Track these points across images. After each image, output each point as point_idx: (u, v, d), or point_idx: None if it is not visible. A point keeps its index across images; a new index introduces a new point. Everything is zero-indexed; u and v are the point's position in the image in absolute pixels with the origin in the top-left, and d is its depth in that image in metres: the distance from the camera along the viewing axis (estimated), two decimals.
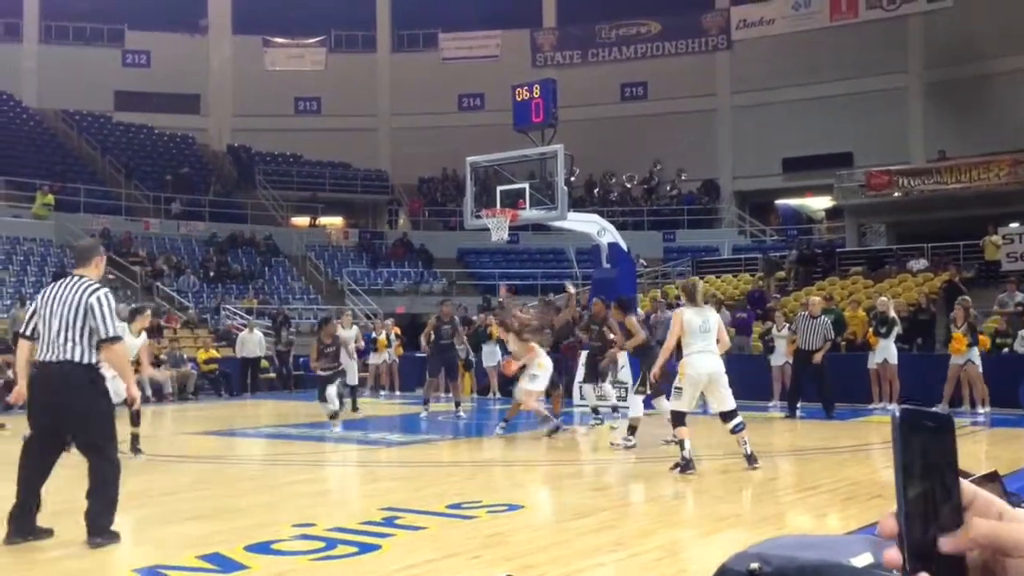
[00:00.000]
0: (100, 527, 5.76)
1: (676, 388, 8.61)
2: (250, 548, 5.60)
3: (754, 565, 1.55)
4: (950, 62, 30.04)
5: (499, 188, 15.93)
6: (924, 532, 0.85)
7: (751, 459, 8.44)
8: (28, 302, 19.64)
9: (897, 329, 14.88)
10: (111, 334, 5.78)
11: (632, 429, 10.32)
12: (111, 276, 25.26)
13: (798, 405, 14.04)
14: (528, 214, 15.85)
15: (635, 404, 10.52)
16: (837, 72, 31.74)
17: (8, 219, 26.67)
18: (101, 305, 5.78)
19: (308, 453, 10.64)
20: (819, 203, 33.55)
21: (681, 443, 8.31)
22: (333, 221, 35.23)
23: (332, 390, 12.19)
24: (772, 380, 15.80)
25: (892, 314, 14.95)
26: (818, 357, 13.69)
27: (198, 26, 37.59)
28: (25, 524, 5.83)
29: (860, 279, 21.46)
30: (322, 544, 5.69)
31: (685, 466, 8.21)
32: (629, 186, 34.79)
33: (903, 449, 0.86)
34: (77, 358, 5.77)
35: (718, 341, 8.62)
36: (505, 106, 19.19)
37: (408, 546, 5.67)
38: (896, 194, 25.34)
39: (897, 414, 0.87)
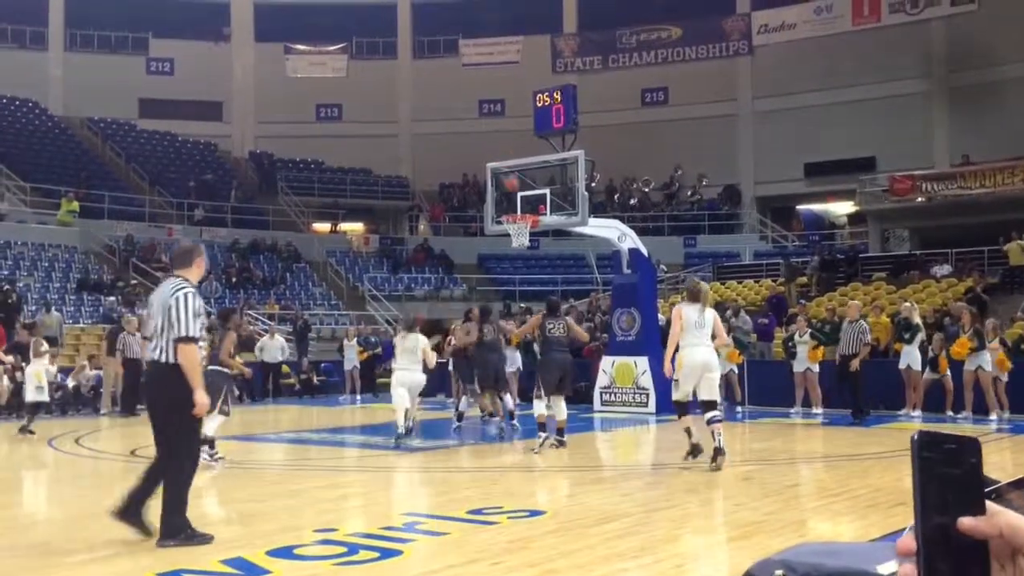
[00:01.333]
0: (169, 527, 5.79)
1: (675, 380, 9.21)
2: (272, 553, 5.62)
3: (779, 572, 1.55)
4: (974, 66, 29.82)
5: (520, 194, 15.93)
6: (945, 557, 0.84)
7: (718, 451, 8.88)
8: (53, 308, 19.84)
9: (921, 335, 14.74)
10: (182, 333, 5.82)
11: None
12: (134, 281, 25.49)
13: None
14: (549, 220, 15.85)
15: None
16: (860, 76, 31.55)
17: (34, 225, 26.95)
18: (178, 303, 5.87)
19: (329, 458, 10.67)
20: (842, 208, 33.36)
21: (688, 431, 9.15)
22: (354, 227, 35.37)
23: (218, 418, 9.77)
24: (795, 386, 15.69)
25: (916, 320, 14.82)
26: (855, 363, 13.53)
27: (221, 34, 37.89)
28: (130, 511, 5.88)
29: (883, 285, 21.30)
30: (344, 549, 5.71)
31: (694, 451, 9.06)
32: (647, 190, 34.68)
33: (921, 473, 0.85)
34: (166, 359, 5.86)
35: (714, 337, 9.24)
36: (526, 112, 19.20)
37: (430, 552, 5.68)
38: (920, 199, 25.16)
39: (915, 437, 0.86)
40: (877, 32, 32.25)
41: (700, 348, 9.08)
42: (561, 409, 11.00)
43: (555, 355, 11.04)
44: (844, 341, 13.95)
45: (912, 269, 22.34)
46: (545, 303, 12.07)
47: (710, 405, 9.11)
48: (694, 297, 9.34)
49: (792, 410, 15.43)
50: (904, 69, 31.26)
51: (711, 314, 9.34)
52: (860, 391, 13.79)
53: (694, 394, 9.21)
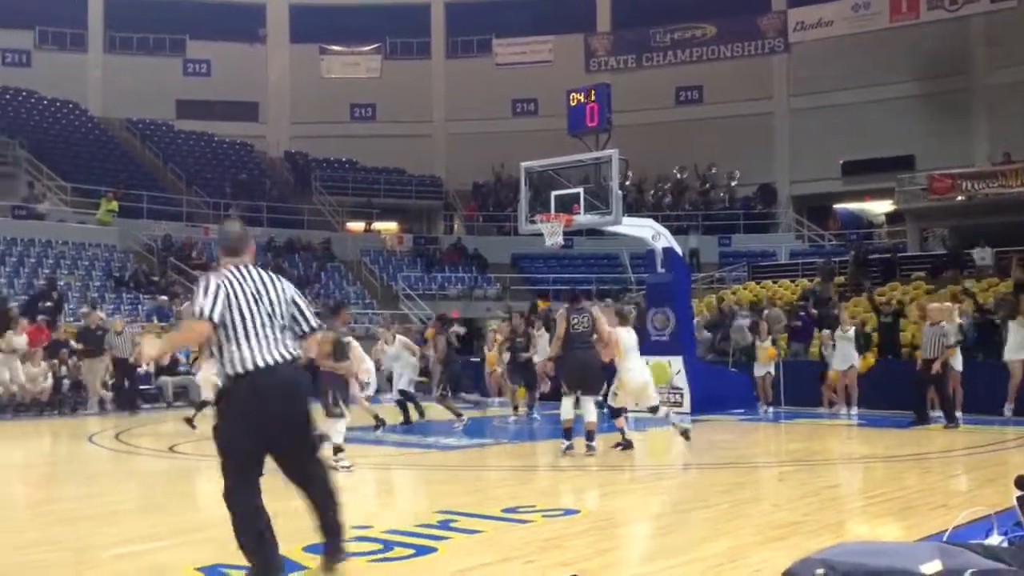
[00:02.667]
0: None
1: (614, 393, 10.61)
2: (308, 549, 5.65)
3: (820, 571, 1.53)
4: (1014, 62, 29.34)
5: (553, 193, 15.90)
6: None
7: (685, 431, 10.74)
8: (98, 308, 20.03)
9: (960, 336, 14.48)
10: (315, 325, 4.94)
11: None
12: (173, 279, 25.78)
13: (957, 413, 13.53)
14: (582, 219, 15.79)
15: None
16: (898, 74, 31.20)
17: (74, 225, 27.35)
18: (300, 296, 4.98)
19: (363, 456, 10.70)
20: (880, 207, 33.00)
21: (621, 430, 10.53)
22: (388, 226, 35.53)
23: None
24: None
25: (956, 320, 14.58)
26: (936, 366, 13.24)
27: (257, 35, 38.24)
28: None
29: (923, 284, 21.01)
30: (379, 546, 5.73)
31: (627, 445, 10.40)
32: (681, 177, 34.42)
33: None
34: (293, 357, 4.82)
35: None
36: (559, 111, 19.18)
37: (464, 549, 5.68)
38: (959, 198, 24.82)
39: None
40: (915, 29, 31.86)
41: (644, 371, 10.66)
42: (589, 411, 10.34)
43: (576, 352, 10.37)
44: (926, 345, 13.64)
45: (948, 268, 22.00)
46: (567, 296, 11.52)
47: (655, 409, 10.74)
48: (625, 321, 10.69)
49: (833, 410, 15.26)
50: (943, 66, 30.85)
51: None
52: (946, 394, 13.45)
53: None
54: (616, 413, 10.66)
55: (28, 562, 5.54)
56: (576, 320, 10.40)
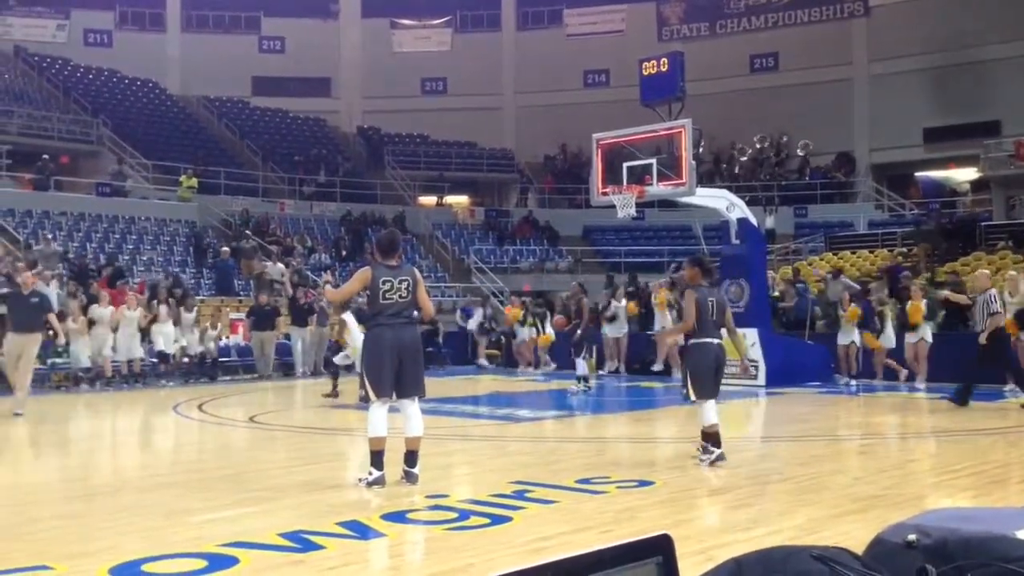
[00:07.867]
0: None
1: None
2: (386, 516, 5.76)
3: (912, 537, 1.49)
4: None
5: (625, 164, 15.77)
6: None
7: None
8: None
9: None
10: None
11: None
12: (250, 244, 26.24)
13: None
14: (655, 190, 15.65)
15: None
16: (983, 36, 30.08)
17: (155, 202, 28.06)
18: None
19: (438, 427, 10.82)
20: (963, 175, 31.99)
21: None
22: (459, 200, 35.67)
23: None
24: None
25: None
26: (982, 338, 12.82)
27: (329, 11, 38.60)
28: None
29: (1009, 255, 20.34)
30: (455, 515, 5.80)
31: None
32: (760, 146, 33.79)
33: None
34: None
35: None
36: (631, 81, 18.96)
37: (539, 519, 5.71)
38: None
39: None
40: None
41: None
42: (410, 416, 7.02)
43: (385, 331, 6.87)
44: (976, 316, 13.28)
45: None
46: (376, 242, 7.60)
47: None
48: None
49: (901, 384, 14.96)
50: None
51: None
52: (1014, 366, 13.00)
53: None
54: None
55: (120, 525, 5.74)
56: (388, 282, 6.91)
